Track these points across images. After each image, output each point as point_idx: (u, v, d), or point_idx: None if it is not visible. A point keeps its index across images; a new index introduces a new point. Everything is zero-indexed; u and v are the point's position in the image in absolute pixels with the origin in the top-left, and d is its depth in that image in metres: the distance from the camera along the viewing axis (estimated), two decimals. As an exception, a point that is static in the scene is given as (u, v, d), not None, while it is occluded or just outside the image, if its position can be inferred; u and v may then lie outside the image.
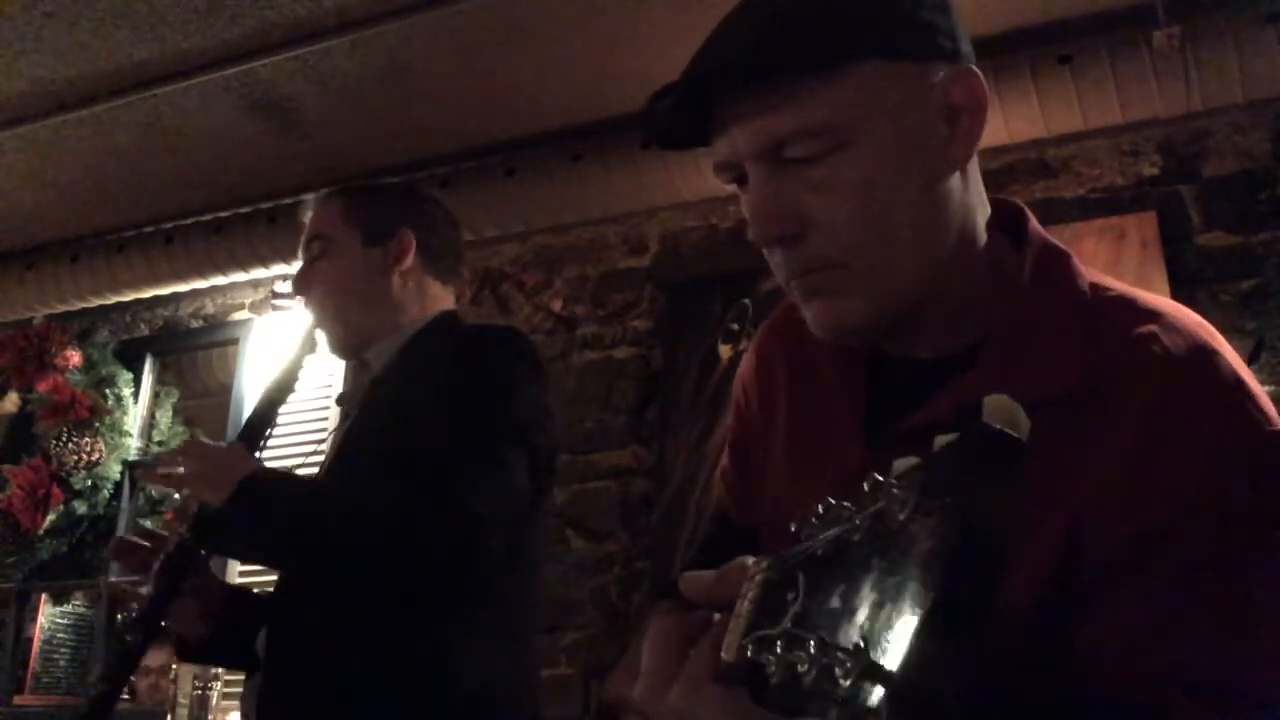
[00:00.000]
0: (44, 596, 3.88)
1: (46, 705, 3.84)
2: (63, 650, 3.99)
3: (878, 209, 0.76)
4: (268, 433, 1.55)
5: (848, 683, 0.41)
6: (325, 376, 3.41)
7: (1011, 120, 2.78)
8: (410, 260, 1.64)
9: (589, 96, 3.12)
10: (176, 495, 1.51)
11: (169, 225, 3.81)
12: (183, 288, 3.89)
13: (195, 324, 4.08)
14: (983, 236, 0.82)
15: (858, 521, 0.45)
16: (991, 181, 3.22)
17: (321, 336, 1.64)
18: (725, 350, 3.12)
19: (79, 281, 3.90)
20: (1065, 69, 2.70)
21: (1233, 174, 2.74)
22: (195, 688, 3.33)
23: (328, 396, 3.35)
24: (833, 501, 0.48)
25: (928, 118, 0.77)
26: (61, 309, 4.06)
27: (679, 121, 0.81)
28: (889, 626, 0.41)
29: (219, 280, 3.78)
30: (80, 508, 3.70)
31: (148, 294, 3.95)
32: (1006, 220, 0.86)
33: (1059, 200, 2.88)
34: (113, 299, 3.98)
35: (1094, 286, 0.80)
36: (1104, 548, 0.69)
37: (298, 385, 1.61)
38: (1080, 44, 2.71)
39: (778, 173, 0.77)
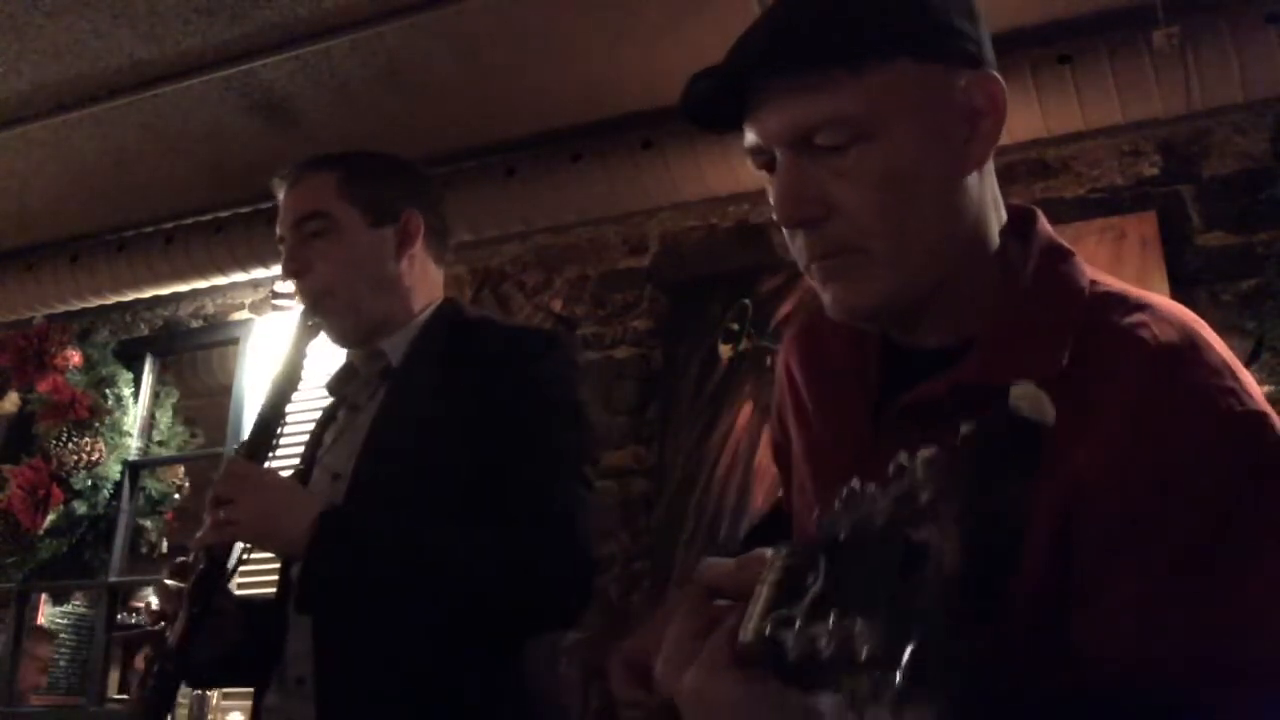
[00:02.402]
0: (44, 596, 3.88)
1: (47, 705, 3.84)
2: (63, 650, 4.00)
3: (899, 198, 0.80)
4: (279, 431, 1.47)
5: (864, 654, 0.42)
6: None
7: (1011, 120, 2.74)
8: (419, 244, 1.57)
9: (589, 96, 3.12)
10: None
11: (169, 225, 3.81)
12: (183, 288, 3.89)
13: (195, 324, 4.08)
14: (995, 239, 0.86)
15: (880, 504, 0.46)
16: (991, 181, 3.13)
17: (318, 322, 1.54)
18: (725, 350, 3.12)
19: (79, 281, 3.90)
20: (1065, 69, 2.70)
21: (1233, 174, 2.74)
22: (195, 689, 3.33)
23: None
24: (857, 485, 0.49)
25: (950, 118, 0.81)
26: (61, 309, 4.06)
27: (715, 102, 0.85)
28: (909, 606, 0.41)
29: (219, 280, 3.78)
30: (80, 508, 3.70)
31: (148, 294, 3.95)
32: (1019, 224, 0.89)
33: (1059, 200, 2.88)
34: (113, 299, 3.98)
35: (1092, 283, 0.84)
36: (1098, 526, 0.71)
37: (303, 377, 1.51)
38: (1080, 44, 2.72)
39: (806, 159, 0.81)
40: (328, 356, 1.60)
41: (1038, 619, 0.72)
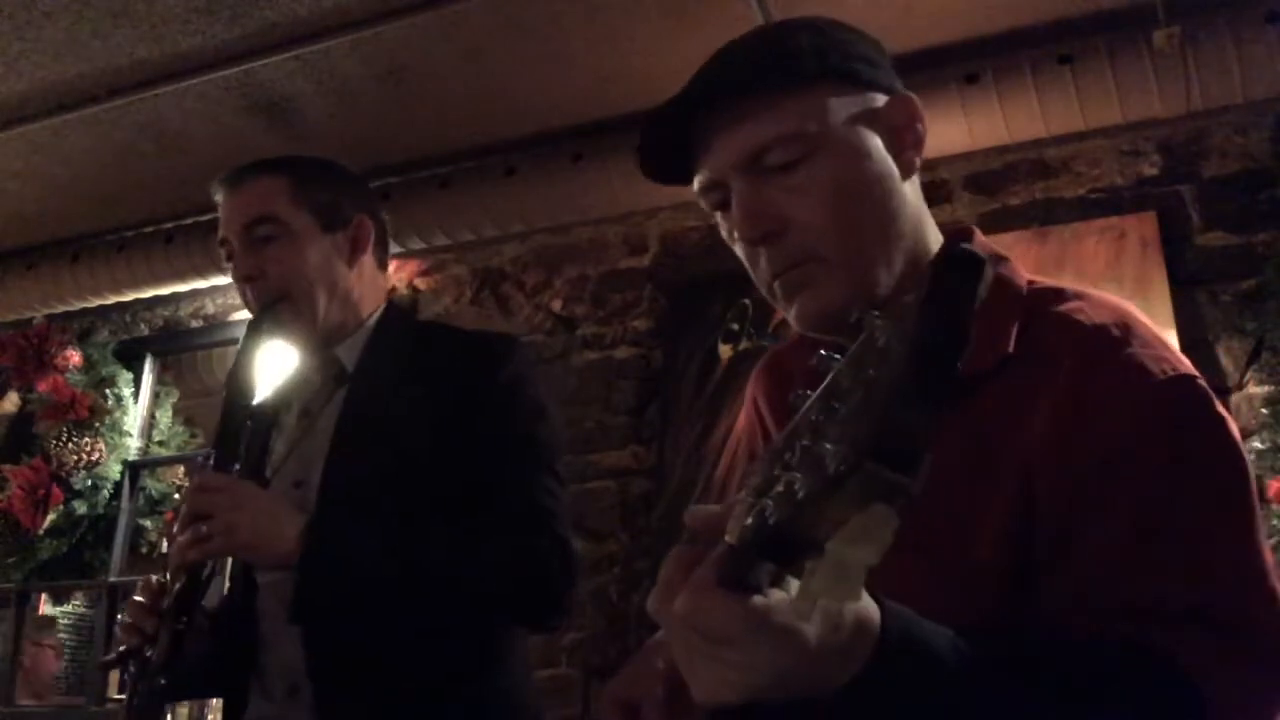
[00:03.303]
0: (44, 596, 3.88)
1: (47, 705, 3.84)
2: (62, 650, 3.99)
3: (849, 205, 0.87)
4: (242, 439, 1.45)
5: (833, 467, 0.44)
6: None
7: (1011, 120, 2.78)
8: (370, 249, 1.58)
9: (589, 96, 3.12)
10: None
11: (169, 225, 3.81)
12: (183, 288, 3.89)
13: (195, 324, 4.08)
14: (930, 243, 0.93)
15: (844, 366, 0.48)
16: (991, 181, 3.19)
17: (273, 327, 1.51)
18: (725, 350, 3.12)
19: (79, 281, 3.90)
20: (1065, 69, 2.70)
21: (1233, 174, 2.74)
22: (195, 688, 3.33)
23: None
24: (823, 352, 0.51)
25: (878, 134, 0.90)
26: (61, 309, 4.06)
27: (667, 147, 0.92)
28: (869, 402, 0.44)
29: (219, 280, 3.78)
30: (80, 508, 3.70)
31: (148, 294, 3.95)
32: (956, 239, 0.95)
33: (1059, 200, 2.88)
34: (113, 299, 3.98)
35: (1030, 282, 0.91)
36: (1056, 498, 0.77)
37: (256, 381, 1.47)
38: (1080, 44, 2.72)
39: (759, 180, 0.88)
40: (281, 362, 1.59)
41: (999, 594, 0.78)
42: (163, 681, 1.30)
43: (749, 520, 0.52)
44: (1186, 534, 0.74)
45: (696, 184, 0.92)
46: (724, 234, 0.93)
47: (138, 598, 1.38)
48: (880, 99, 0.91)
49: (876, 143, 0.90)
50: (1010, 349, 0.84)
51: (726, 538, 0.55)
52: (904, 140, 0.91)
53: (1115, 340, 0.81)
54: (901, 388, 0.42)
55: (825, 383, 0.50)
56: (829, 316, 0.89)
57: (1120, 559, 0.74)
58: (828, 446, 0.45)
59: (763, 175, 0.88)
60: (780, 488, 0.48)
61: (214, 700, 3.34)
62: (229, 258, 1.54)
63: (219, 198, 1.56)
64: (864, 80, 0.91)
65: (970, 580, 0.78)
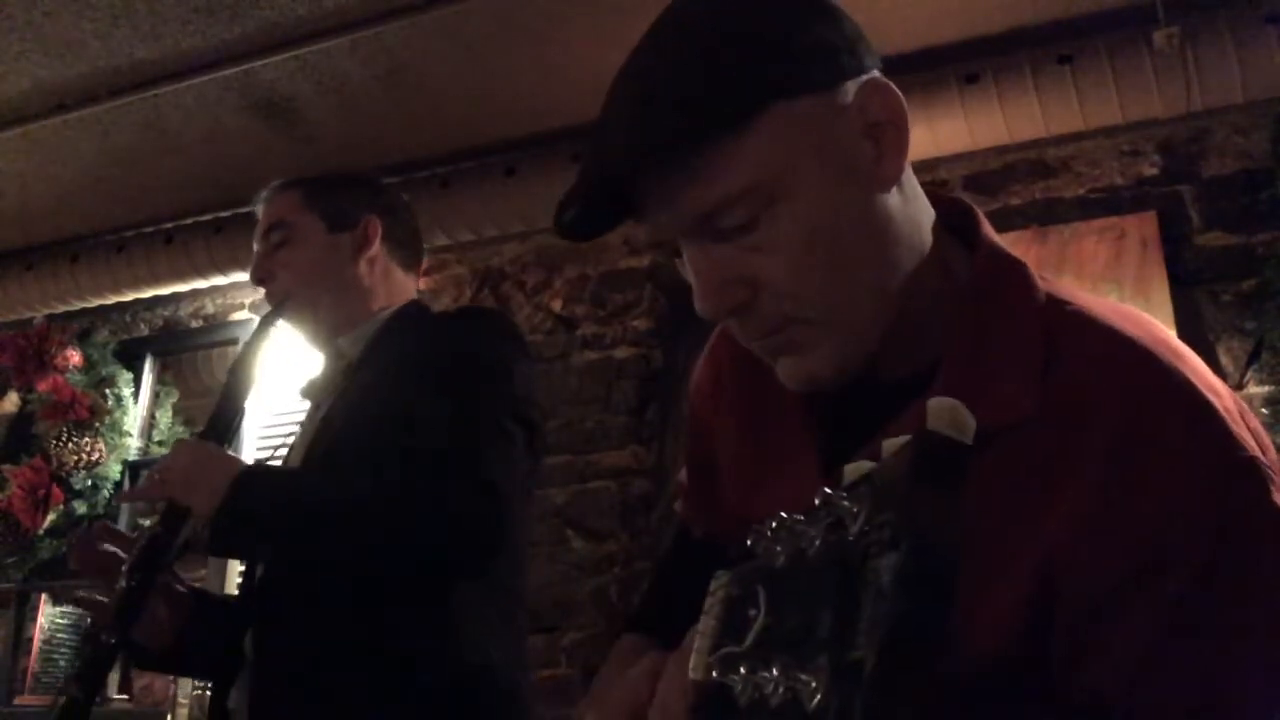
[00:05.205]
0: (44, 596, 3.88)
1: (47, 705, 3.84)
2: (63, 650, 3.99)
3: (825, 254, 0.71)
4: (235, 424, 1.52)
5: (812, 705, 0.41)
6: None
7: (1011, 120, 2.78)
8: (377, 246, 1.65)
9: (589, 96, 3.11)
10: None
11: (169, 225, 3.81)
12: (183, 288, 3.89)
13: (195, 324, 4.08)
14: (929, 241, 0.77)
15: (812, 534, 0.44)
16: (991, 181, 3.18)
17: (282, 324, 1.61)
18: (725, 350, 3.12)
19: (79, 281, 3.90)
20: (1065, 69, 2.70)
21: (1233, 174, 2.74)
22: (195, 688, 3.33)
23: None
24: (784, 515, 0.47)
25: (851, 141, 0.72)
26: (61, 309, 4.06)
27: (595, 218, 0.76)
28: (851, 646, 0.40)
29: (219, 280, 3.78)
30: (80, 508, 3.70)
31: (148, 294, 3.95)
32: (955, 219, 0.81)
33: (1059, 200, 2.88)
34: (113, 299, 3.98)
35: (1050, 299, 0.75)
36: (1084, 586, 0.66)
37: (257, 374, 1.55)
38: (1080, 44, 2.72)
39: (712, 243, 0.73)
40: (302, 362, 1.70)
41: (1007, 682, 0.68)
42: (108, 638, 1.31)
43: (712, 665, 0.49)
44: (1232, 647, 0.64)
45: (643, 234, 0.79)
46: (688, 277, 0.76)
47: (93, 541, 1.43)
48: (846, 93, 0.73)
49: (848, 159, 0.72)
50: (1032, 403, 0.70)
51: (690, 672, 0.52)
52: (883, 140, 0.73)
53: (1161, 407, 0.67)
54: (884, 652, 0.38)
55: (792, 545, 0.45)
56: (823, 380, 0.76)
57: (1154, 665, 0.64)
58: (803, 678, 0.41)
59: (715, 237, 0.72)
60: (747, 667, 0.45)
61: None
62: None
63: (258, 214, 1.70)
64: (818, 79, 0.72)
65: (966, 669, 0.67)
